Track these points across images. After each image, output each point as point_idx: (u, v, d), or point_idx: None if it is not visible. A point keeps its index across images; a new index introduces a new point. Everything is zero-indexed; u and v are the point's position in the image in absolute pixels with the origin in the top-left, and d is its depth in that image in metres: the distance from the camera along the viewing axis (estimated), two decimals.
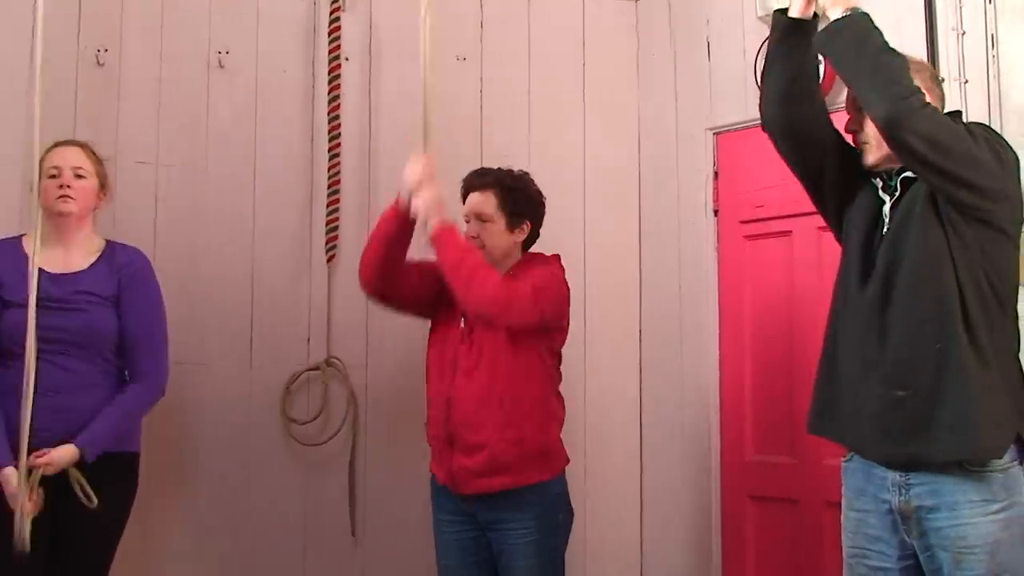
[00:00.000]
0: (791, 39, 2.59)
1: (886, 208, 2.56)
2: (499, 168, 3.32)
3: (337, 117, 3.76)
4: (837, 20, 2.44)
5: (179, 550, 3.50)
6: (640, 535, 4.25)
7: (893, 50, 2.41)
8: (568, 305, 3.26)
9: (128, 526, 3.04)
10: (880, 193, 2.59)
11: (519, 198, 3.26)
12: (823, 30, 2.49)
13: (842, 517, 2.66)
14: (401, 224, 3.10)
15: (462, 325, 3.20)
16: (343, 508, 3.71)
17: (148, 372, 3.09)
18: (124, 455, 3.03)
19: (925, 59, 3.42)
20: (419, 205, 3.02)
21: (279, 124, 3.77)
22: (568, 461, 3.30)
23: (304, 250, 3.75)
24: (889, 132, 2.33)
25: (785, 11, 2.61)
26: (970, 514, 2.35)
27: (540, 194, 3.34)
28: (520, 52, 4.20)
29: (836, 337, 2.63)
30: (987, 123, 3.27)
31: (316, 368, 3.71)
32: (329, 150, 3.74)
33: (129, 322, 3.04)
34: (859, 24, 2.43)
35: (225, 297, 3.64)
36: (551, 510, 3.19)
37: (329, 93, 3.77)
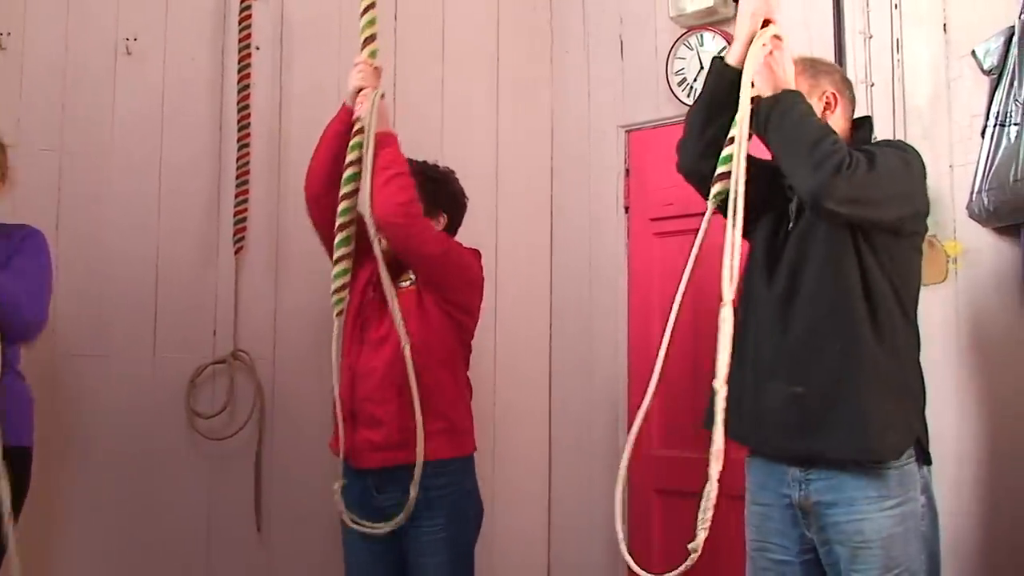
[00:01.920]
0: (724, 91, 2.51)
1: (792, 205, 2.61)
2: (425, 161, 3.33)
3: (247, 107, 3.70)
4: (766, 101, 2.43)
5: (80, 547, 3.42)
6: (548, 529, 4.28)
7: (811, 118, 2.41)
8: (479, 290, 3.28)
9: (27, 523, 2.95)
10: (787, 191, 2.64)
11: (439, 189, 3.29)
12: (756, 113, 2.44)
13: (745, 511, 2.70)
14: (347, 129, 3.13)
15: (371, 293, 3.20)
16: (248, 503, 3.67)
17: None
18: (14, 450, 2.76)
19: (832, 61, 3.50)
20: (362, 111, 3.08)
21: (187, 113, 3.70)
22: (475, 448, 3.29)
23: (211, 241, 3.68)
24: (813, 208, 2.38)
25: (722, 60, 2.58)
26: (866, 509, 2.42)
27: (463, 194, 3.38)
28: (434, 45, 4.19)
29: (741, 334, 2.67)
30: (892, 125, 3.37)
31: (222, 361, 3.66)
32: (238, 140, 3.68)
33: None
34: (784, 102, 2.42)
35: (129, 289, 3.56)
36: (462, 506, 3.19)
37: (239, 82, 3.71)
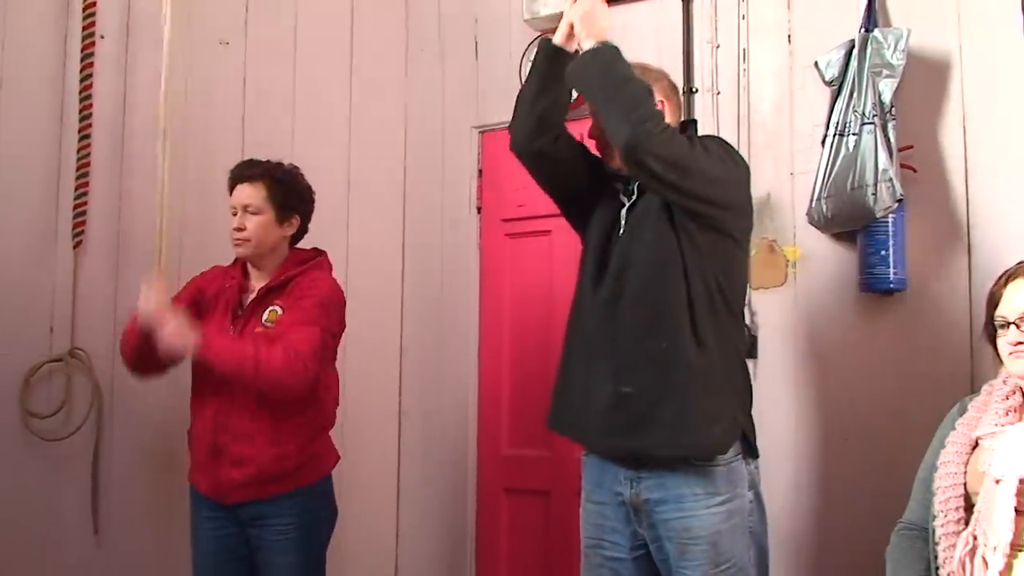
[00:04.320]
0: (553, 68, 2.67)
1: (623, 211, 2.66)
2: (268, 160, 3.25)
3: (89, 96, 3.57)
4: (586, 52, 2.54)
5: None
6: (396, 528, 4.25)
7: (636, 78, 2.50)
8: (343, 320, 3.24)
9: None
10: (620, 196, 2.69)
11: (289, 191, 3.20)
12: (573, 61, 2.59)
13: (581, 509, 2.74)
14: (147, 339, 2.98)
15: (231, 332, 3.12)
16: (85, 505, 3.54)
17: None
18: None
19: (681, 71, 3.57)
20: (166, 341, 2.91)
21: (26, 101, 3.54)
22: (339, 457, 3.28)
23: (49, 234, 3.54)
24: (629, 156, 2.43)
25: (550, 40, 2.71)
26: (694, 506, 2.49)
27: (310, 189, 3.30)
28: (286, 39, 4.12)
29: (572, 336, 2.72)
30: (736, 133, 3.45)
31: (59, 359, 3.52)
32: (79, 131, 3.55)
33: None
34: (605, 54, 2.52)
35: None
36: (313, 507, 3.15)
37: (81, 71, 3.59)
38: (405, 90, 4.43)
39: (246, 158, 3.39)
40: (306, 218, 3.28)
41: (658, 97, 2.64)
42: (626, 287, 2.56)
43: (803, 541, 3.20)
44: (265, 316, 3.13)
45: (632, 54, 3.68)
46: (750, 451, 2.61)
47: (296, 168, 3.28)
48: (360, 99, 4.29)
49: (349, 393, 3.90)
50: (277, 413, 3.03)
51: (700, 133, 3.01)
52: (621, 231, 2.64)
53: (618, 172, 2.68)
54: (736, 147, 3.46)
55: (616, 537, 2.62)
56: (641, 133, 2.39)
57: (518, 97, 2.76)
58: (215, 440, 3.04)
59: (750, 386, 2.68)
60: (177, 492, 3.23)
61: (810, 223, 3.27)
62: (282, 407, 3.03)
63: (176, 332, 2.90)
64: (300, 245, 3.31)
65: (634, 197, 2.63)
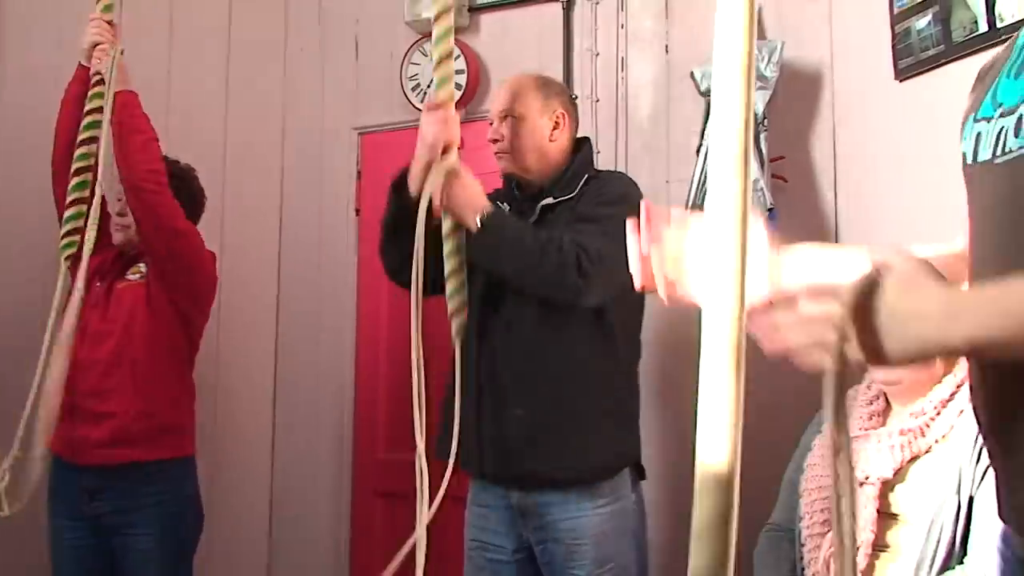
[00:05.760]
0: (403, 215, 2.48)
1: None
2: (166, 156, 3.17)
3: None
4: (476, 236, 2.43)
5: None
6: (269, 533, 4.19)
7: (523, 234, 2.45)
8: (213, 286, 3.23)
9: None
10: (522, 216, 2.68)
11: (180, 188, 3.15)
12: (472, 245, 2.46)
13: (466, 512, 2.74)
14: (87, 91, 2.95)
15: (97, 283, 3.06)
16: None
17: None
18: None
19: (561, 77, 3.61)
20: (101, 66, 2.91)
21: None
22: (194, 450, 3.20)
23: None
24: (584, 304, 2.45)
25: (401, 182, 2.54)
26: (579, 509, 2.52)
27: (203, 193, 3.30)
28: (160, 34, 4.02)
29: (466, 359, 2.64)
30: (615, 140, 3.50)
31: None
32: None
33: None
34: (489, 229, 2.41)
35: None
36: (179, 512, 3.08)
37: None
38: (283, 90, 4.37)
39: None
40: (195, 220, 3.24)
41: (559, 110, 2.68)
42: (526, 312, 2.55)
43: (671, 544, 3.24)
44: (130, 272, 3.13)
45: (513, 60, 3.74)
46: (638, 473, 2.69)
47: (192, 169, 3.27)
48: (236, 97, 4.21)
49: (223, 397, 3.85)
50: (139, 368, 2.98)
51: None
52: None
53: (519, 193, 2.70)
54: (614, 153, 3.53)
55: (500, 540, 2.64)
56: (574, 289, 2.40)
57: (382, 226, 2.66)
58: (71, 397, 2.92)
59: (638, 402, 2.72)
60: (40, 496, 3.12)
61: None
62: (146, 365, 2.99)
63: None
64: None
65: (535, 216, 2.62)
